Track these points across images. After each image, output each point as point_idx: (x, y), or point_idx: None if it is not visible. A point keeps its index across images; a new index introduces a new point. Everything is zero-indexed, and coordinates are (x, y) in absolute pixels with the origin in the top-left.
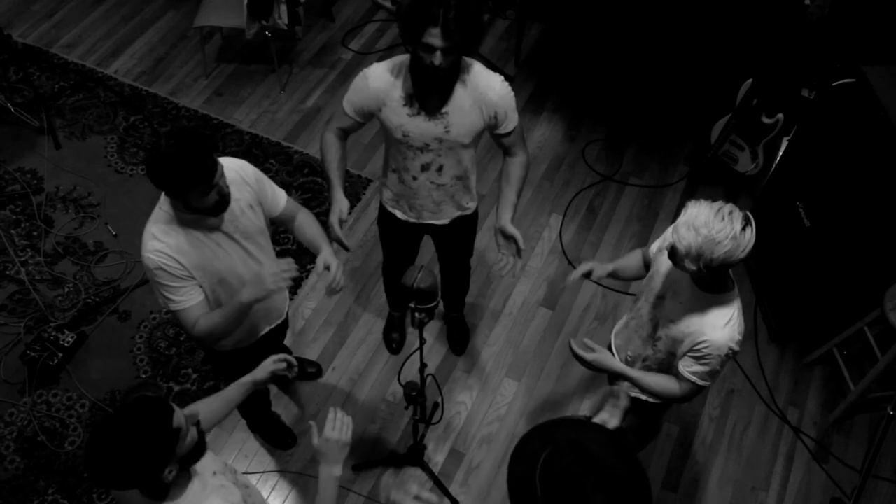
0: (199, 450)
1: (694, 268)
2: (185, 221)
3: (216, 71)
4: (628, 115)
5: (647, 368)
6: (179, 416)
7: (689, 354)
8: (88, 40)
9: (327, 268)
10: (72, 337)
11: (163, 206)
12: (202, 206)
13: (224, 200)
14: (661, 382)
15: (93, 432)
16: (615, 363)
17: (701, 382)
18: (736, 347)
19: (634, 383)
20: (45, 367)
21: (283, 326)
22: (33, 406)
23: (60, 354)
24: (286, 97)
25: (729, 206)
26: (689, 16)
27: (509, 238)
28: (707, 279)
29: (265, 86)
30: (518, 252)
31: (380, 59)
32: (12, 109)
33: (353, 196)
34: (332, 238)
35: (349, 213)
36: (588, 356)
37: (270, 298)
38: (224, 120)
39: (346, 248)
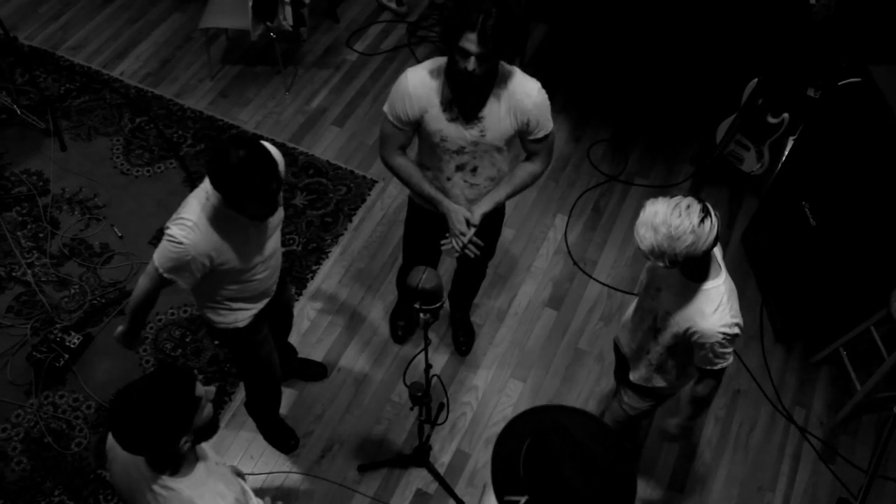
0: (212, 426)
1: (661, 264)
2: (229, 217)
3: (221, 72)
4: (633, 115)
5: (650, 363)
6: (199, 386)
7: (694, 344)
8: (94, 42)
9: None
10: (78, 338)
11: (210, 198)
12: (253, 213)
13: (275, 210)
14: (696, 401)
15: (118, 395)
16: (679, 429)
17: (709, 367)
18: (731, 331)
19: (696, 418)
20: (51, 369)
21: (285, 308)
22: (40, 407)
23: (67, 356)
24: (291, 98)
25: (686, 201)
26: (694, 15)
27: (469, 228)
28: (689, 269)
29: (270, 87)
30: (469, 244)
31: (384, 61)
32: (18, 111)
33: (359, 197)
34: (462, 247)
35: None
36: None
37: (268, 286)
38: (229, 121)
39: (478, 249)
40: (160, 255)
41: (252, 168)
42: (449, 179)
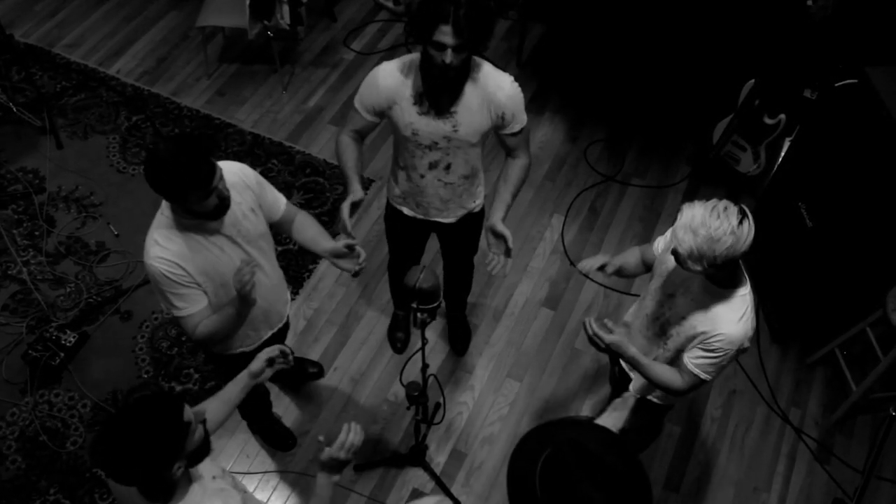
0: (204, 448)
1: (699, 268)
2: (186, 226)
3: (218, 71)
4: (630, 116)
5: None
6: (188, 411)
7: (699, 346)
8: (91, 40)
9: (349, 248)
10: (74, 337)
11: (164, 211)
12: (202, 209)
13: (224, 204)
14: (667, 373)
15: (104, 424)
16: (629, 348)
17: (704, 375)
18: (747, 344)
19: (641, 370)
20: (46, 367)
21: (285, 330)
22: (35, 406)
23: (62, 354)
24: (288, 97)
25: (723, 203)
26: (691, 16)
27: (499, 237)
28: (718, 275)
29: (267, 86)
30: (507, 251)
31: (382, 60)
32: (14, 109)
33: None
34: (338, 227)
35: (360, 202)
36: (607, 338)
37: (269, 304)
38: (226, 120)
39: (350, 236)
40: (159, 298)
41: (179, 153)
42: (423, 177)
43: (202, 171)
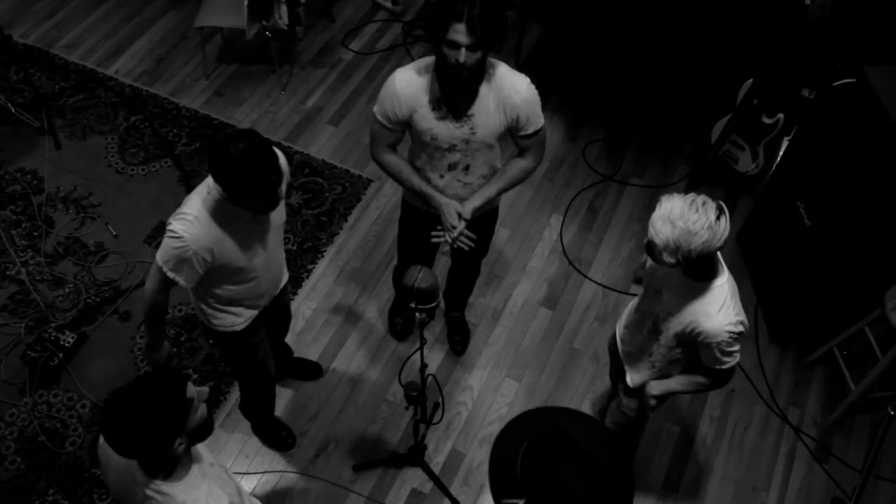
0: (207, 427)
1: (672, 261)
2: (231, 213)
3: (217, 71)
4: (629, 116)
5: (652, 365)
6: (192, 388)
7: (700, 344)
8: (89, 41)
9: None
10: (72, 337)
11: (212, 192)
12: (254, 206)
13: (276, 204)
14: (693, 382)
15: (109, 398)
16: (662, 386)
17: (718, 367)
18: (736, 329)
19: (679, 393)
20: (45, 368)
21: (284, 311)
22: (34, 406)
23: (61, 355)
24: (286, 97)
25: (702, 198)
26: (689, 16)
27: (460, 221)
28: (693, 268)
29: (266, 86)
30: (461, 237)
31: (380, 60)
32: (13, 110)
33: (354, 196)
34: (453, 239)
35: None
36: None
37: (260, 284)
38: (224, 120)
39: (472, 244)
40: (162, 252)
41: (251, 160)
42: (442, 177)
43: (272, 180)
